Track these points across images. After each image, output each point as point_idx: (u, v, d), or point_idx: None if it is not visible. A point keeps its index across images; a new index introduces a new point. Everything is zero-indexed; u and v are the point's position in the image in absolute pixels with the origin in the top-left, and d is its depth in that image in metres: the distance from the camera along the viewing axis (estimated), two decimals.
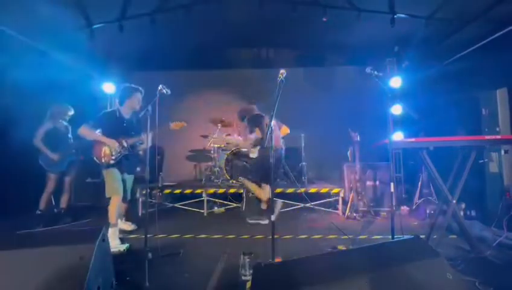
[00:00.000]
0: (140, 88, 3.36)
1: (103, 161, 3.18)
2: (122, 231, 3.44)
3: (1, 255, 1.61)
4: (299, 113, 6.05)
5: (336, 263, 1.49)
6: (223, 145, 5.27)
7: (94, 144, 3.22)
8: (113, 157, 3.20)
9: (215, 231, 3.62)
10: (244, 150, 5.13)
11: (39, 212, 3.88)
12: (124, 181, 3.33)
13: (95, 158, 3.22)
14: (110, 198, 3.20)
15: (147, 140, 2.63)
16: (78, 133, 3.20)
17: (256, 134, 3.91)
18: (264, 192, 3.88)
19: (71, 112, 4.19)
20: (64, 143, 4.02)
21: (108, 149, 3.19)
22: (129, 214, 3.80)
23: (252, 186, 3.99)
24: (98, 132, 3.22)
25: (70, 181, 4.17)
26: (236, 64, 6.34)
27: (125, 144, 3.24)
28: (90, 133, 3.17)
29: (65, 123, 4.14)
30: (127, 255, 2.83)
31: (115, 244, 2.98)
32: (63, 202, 4.13)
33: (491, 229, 3.13)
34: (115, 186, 3.19)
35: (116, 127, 3.23)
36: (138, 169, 3.92)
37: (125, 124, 3.29)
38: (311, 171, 5.68)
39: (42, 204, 3.91)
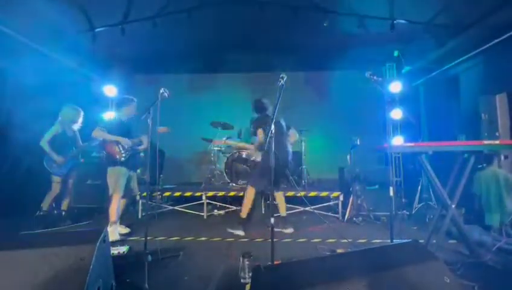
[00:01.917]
0: (134, 98, 3.68)
1: (117, 157, 3.42)
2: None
3: (2, 256, 1.61)
4: (299, 117, 6.06)
5: (335, 266, 1.50)
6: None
7: (107, 143, 3.46)
8: (124, 155, 3.46)
9: (215, 233, 3.62)
10: (244, 153, 5.15)
11: (41, 213, 3.89)
12: (130, 179, 3.57)
13: (109, 155, 3.46)
14: (111, 196, 3.37)
15: (147, 141, 2.69)
16: (93, 136, 3.47)
17: (258, 136, 3.68)
18: (246, 207, 3.63)
19: (82, 115, 4.16)
20: (70, 148, 4.03)
21: (118, 148, 3.46)
22: (124, 218, 3.79)
23: (250, 195, 3.66)
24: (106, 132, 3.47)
25: (71, 185, 4.18)
26: (238, 68, 6.38)
27: (130, 144, 3.53)
28: (103, 134, 3.42)
29: (75, 128, 4.12)
30: (126, 257, 2.83)
31: (115, 238, 3.17)
32: (64, 204, 4.14)
33: (490, 234, 3.13)
34: (120, 184, 3.40)
35: (120, 130, 3.51)
36: (138, 171, 3.98)
37: (126, 128, 3.58)
38: (311, 175, 5.69)
39: (45, 205, 3.92)
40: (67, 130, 4.03)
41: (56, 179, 3.96)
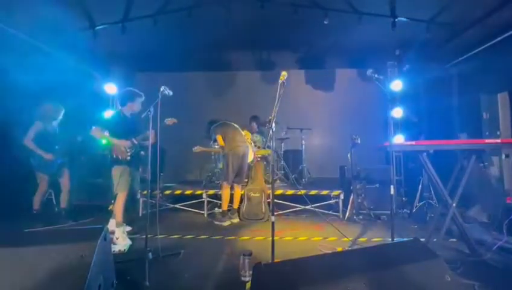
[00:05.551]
0: (142, 94, 3.49)
1: (120, 157, 3.28)
2: None
3: (3, 252, 1.62)
4: (299, 115, 6.07)
5: (335, 264, 1.50)
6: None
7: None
8: (129, 154, 3.32)
9: (216, 231, 3.62)
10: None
11: (35, 212, 3.91)
12: (134, 178, 3.44)
13: (113, 155, 3.32)
14: (115, 196, 3.29)
15: (151, 136, 2.69)
16: (91, 134, 3.33)
17: (219, 142, 4.20)
18: (226, 200, 4.15)
19: (62, 112, 4.12)
20: (53, 145, 3.97)
21: (124, 147, 3.32)
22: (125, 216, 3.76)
23: (226, 191, 4.16)
24: (106, 133, 3.34)
25: (65, 182, 4.13)
26: (238, 66, 6.37)
27: (135, 142, 3.38)
28: (101, 134, 3.32)
29: (55, 123, 4.07)
30: (127, 255, 2.84)
31: (127, 243, 3.04)
32: (62, 201, 4.13)
33: (491, 233, 3.13)
34: (125, 183, 3.28)
35: (124, 128, 3.35)
36: (140, 170, 3.95)
37: (130, 124, 3.43)
38: (311, 173, 5.69)
39: (36, 204, 3.93)
40: (48, 127, 3.97)
41: (43, 177, 3.93)
